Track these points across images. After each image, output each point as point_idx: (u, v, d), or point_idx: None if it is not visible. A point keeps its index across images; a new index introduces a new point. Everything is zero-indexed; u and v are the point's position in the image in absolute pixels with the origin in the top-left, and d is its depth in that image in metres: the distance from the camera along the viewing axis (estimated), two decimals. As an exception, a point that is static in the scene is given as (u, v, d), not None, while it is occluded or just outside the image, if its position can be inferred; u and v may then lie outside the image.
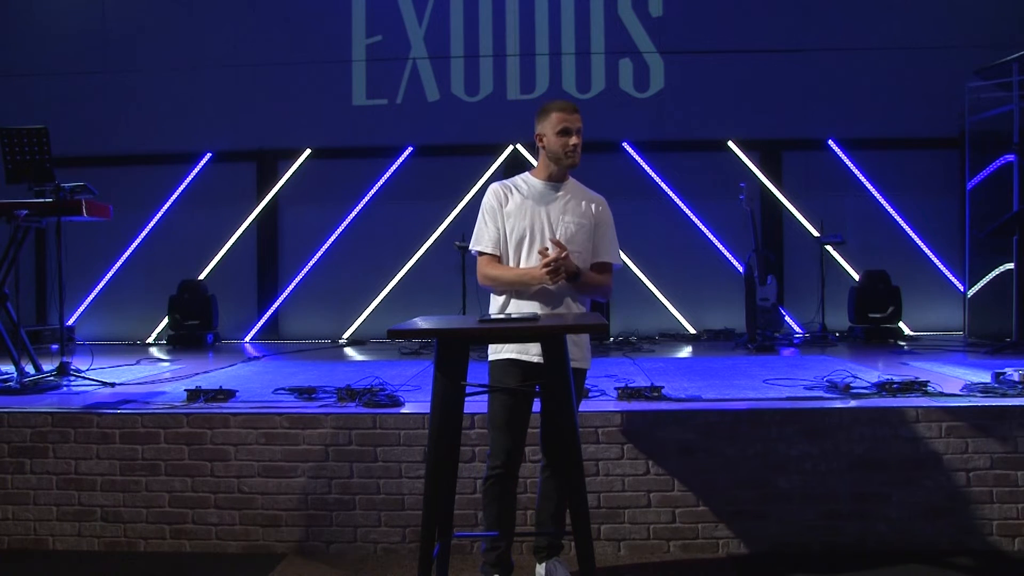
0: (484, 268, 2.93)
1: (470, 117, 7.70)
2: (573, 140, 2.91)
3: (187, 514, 3.48)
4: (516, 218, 2.91)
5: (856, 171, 7.60)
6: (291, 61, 7.80)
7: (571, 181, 3.03)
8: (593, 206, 2.98)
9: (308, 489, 3.44)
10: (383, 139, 7.71)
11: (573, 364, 2.80)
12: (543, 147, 2.96)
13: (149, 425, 3.52)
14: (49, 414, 3.57)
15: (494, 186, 3.00)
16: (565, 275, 2.78)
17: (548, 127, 2.91)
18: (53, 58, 7.88)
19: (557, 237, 2.85)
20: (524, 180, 3.01)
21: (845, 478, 3.35)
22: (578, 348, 2.89)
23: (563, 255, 2.75)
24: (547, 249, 2.80)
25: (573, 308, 2.92)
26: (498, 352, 2.90)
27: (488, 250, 2.93)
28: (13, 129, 4.45)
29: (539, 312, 2.85)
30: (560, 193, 2.96)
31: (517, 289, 2.89)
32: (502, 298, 2.94)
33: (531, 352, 2.83)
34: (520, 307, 2.89)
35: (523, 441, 2.92)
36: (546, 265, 2.75)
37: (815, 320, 7.01)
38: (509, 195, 2.96)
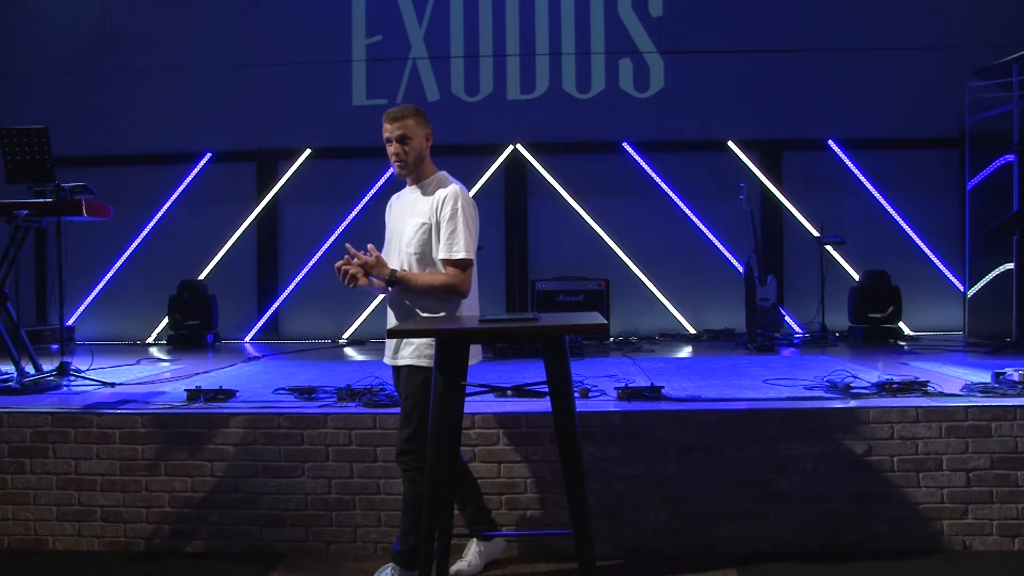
0: None
1: (470, 117, 7.69)
2: (391, 149, 2.94)
3: (187, 514, 3.48)
4: (389, 226, 3.08)
5: (856, 171, 7.60)
6: (291, 61, 7.79)
7: (435, 179, 2.99)
8: (437, 202, 2.89)
9: (308, 489, 3.44)
10: (383, 139, 7.70)
11: (408, 362, 2.89)
12: None
13: (149, 425, 3.52)
14: (49, 414, 3.57)
15: None
16: (362, 279, 2.89)
17: None
18: (53, 58, 7.87)
19: (404, 241, 2.92)
20: (406, 187, 3.09)
21: (845, 478, 3.35)
22: (409, 344, 2.90)
23: (349, 261, 2.86)
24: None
25: (411, 313, 2.93)
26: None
27: None
28: (13, 129, 4.45)
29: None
30: (416, 195, 2.98)
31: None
32: None
33: (388, 355, 2.99)
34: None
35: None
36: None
37: (815, 320, 7.01)
38: (393, 205, 3.12)
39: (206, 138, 7.83)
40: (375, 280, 2.96)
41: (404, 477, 2.92)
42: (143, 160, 7.80)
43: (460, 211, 2.86)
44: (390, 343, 2.97)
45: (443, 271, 2.88)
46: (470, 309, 2.99)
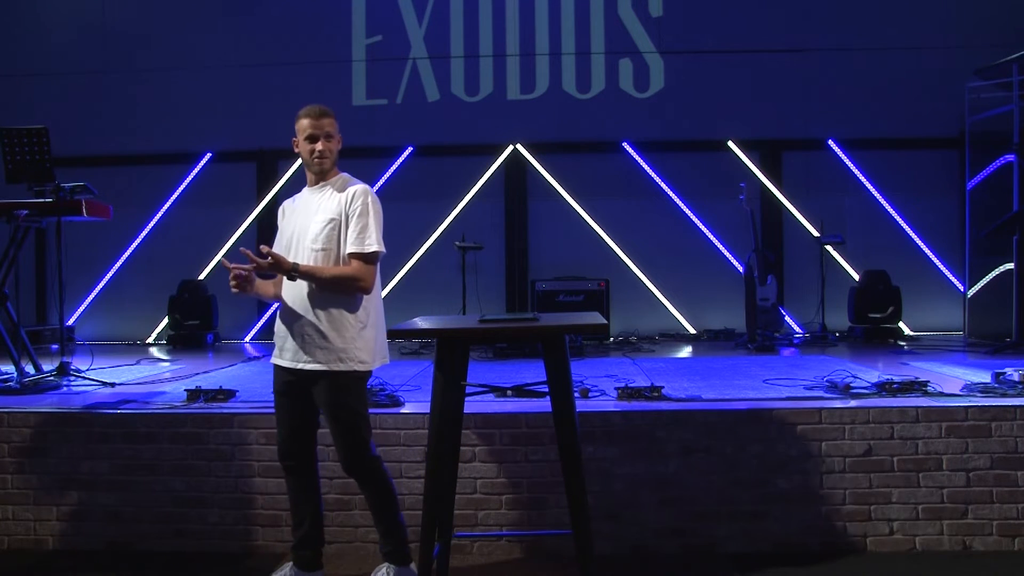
0: None
1: (470, 117, 7.69)
2: (318, 146, 2.86)
3: (187, 514, 3.48)
4: (285, 228, 2.98)
5: (856, 171, 7.60)
6: (291, 61, 7.79)
7: (339, 178, 2.95)
8: (346, 199, 2.86)
9: (308, 489, 3.43)
10: (383, 139, 7.70)
11: (322, 367, 2.79)
12: (298, 152, 2.94)
13: (149, 425, 3.52)
14: (49, 414, 3.57)
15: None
16: (254, 284, 2.86)
17: (299, 134, 2.90)
18: (53, 58, 7.87)
19: (308, 238, 2.86)
20: (302, 191, 3.02)
21: (845, 478, 3.35)
22: (319, 348, 2.80)
23: (248, 266, 2.79)
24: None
25: (307, 317, 2.84)
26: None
27: None
28: (13, 129, 4.45)
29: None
30: (319, 195, 2.93)
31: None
32: None
33: (282, 357, 2.90)
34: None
35: (292, 435, 2.94)
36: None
37: (815, 320, 7.01)
38: (287, 209, 3.04)
39: (206, 138, 7.83)
40: (262, 285, 2.93)
41: (364, 487, 2.90)
42: (143, 160, 7.80)
43: (370, 206, 2.86)
44: (288, 344, 2.88)
45: (349, 265, 2.83)
46: (377, 309, 2.94)
